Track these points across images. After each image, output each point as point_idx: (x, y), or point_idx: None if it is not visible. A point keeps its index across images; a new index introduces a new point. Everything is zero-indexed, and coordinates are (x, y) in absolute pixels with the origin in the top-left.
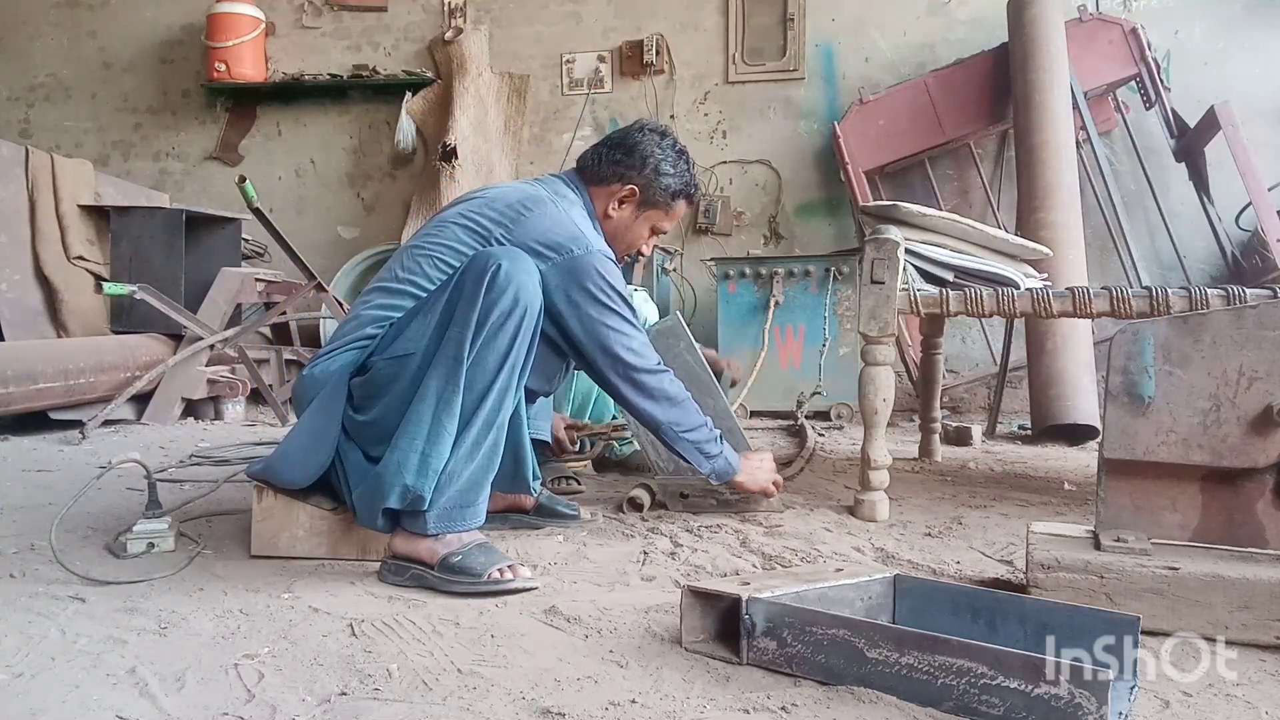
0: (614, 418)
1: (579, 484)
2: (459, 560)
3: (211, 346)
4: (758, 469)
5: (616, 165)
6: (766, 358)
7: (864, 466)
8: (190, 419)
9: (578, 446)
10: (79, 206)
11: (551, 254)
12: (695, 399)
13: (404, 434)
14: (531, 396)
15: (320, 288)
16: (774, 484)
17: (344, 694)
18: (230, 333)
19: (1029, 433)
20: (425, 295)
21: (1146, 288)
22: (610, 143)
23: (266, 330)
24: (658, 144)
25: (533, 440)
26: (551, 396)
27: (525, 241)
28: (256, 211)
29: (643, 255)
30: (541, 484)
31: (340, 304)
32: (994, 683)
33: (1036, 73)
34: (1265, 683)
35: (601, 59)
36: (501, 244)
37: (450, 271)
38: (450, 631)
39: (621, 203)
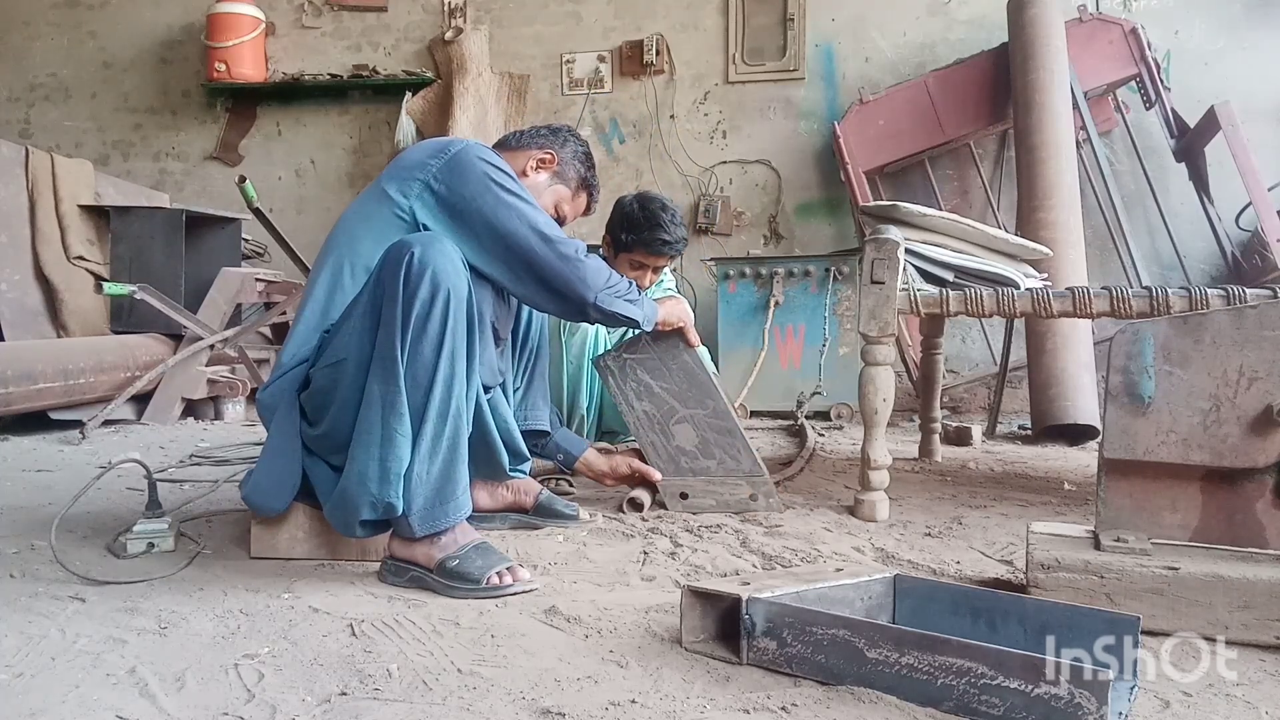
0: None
1: (571, 485)
2: (456, 565)
3: (211, 346)
4: (673, 305)
5: (539, 137)
6: (766, 358)
7: (864, 466)
8: (190, 419)
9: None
10: (79, 206)
11: (431, 163)
12: (695, 399)
13: (358, 444)
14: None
15: None
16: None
17: (344, 694)
18: (230, 333)
19: (1029, 433)
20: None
21: (1146, 288)
22: (535, 126)
23: (266, 330)
24: (578, 140)
25: (528, 431)
26: (546, 386)
27: (400, 173)
28: (256, 211)
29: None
30: (534, 475)
31: None
32: (994, 683)
33: (1036, 73)
34: (1265, 683)
35: (601, 59)
36: (388, 193)
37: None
38: (450, 631)
39: (539, 166)
